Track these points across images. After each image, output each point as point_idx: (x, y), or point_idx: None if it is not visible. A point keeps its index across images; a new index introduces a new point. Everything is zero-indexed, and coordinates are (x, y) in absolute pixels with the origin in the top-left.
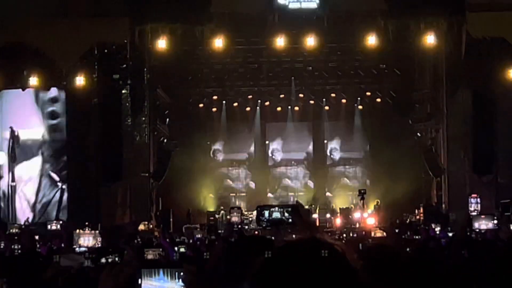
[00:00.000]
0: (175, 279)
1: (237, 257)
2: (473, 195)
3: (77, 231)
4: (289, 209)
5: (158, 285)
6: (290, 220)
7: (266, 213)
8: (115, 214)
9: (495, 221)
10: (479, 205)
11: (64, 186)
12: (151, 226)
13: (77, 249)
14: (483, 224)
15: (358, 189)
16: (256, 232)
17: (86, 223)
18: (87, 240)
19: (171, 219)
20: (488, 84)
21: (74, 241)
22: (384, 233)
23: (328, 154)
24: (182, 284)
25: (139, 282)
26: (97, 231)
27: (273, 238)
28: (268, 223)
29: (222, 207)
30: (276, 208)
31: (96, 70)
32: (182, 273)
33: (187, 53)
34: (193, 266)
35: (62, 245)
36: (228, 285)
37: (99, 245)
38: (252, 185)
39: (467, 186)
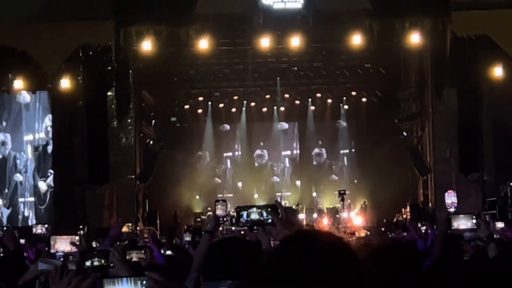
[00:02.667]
0: (140, 286)
1: (219, 257)
2: (449, 191)
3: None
4: (268, 209)
5: None
6: (269, 220)
7: (245, 214)
8: (102, 217)
9: (474, 221)
10: (455, 199)
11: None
12: (138, 228)
13: (58, 253)
14: (462, 224)
15: (338, 190)
16: (243, 232)
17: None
18: (63, 244)
19: (158, 221)
20: (473, 83)
21: (50, 245)
22: (368, 233)
23: (314, 154)
24: None
25: None
26: (74, 236)
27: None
28: (247, 224)
29: (209, 208)
30: (254, 209)
31: (81, 72)
32: (145, 281)
33: (172, 54)
34: (157, 273)
35: (46, 249)
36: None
37: (75, 249)
38: (239, 186)
39: (453, 184)
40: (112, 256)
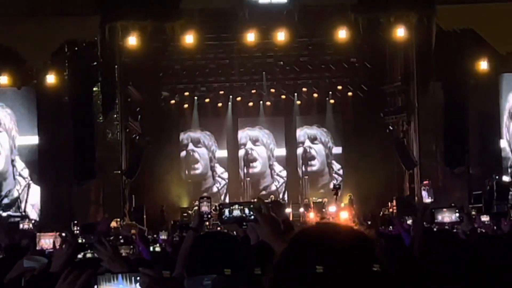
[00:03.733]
0: (134, 283)
1: (203, 252)
2: (424, 182)
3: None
4: (250, 206)
5: None
6: (251, 217)
7: (227, 211)
8: (88, 212)
9: (457, 214)
10: (426, 194)
11: (30, 182)
12: (124, 223)
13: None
14: (446, 217)
15: (333, 184)
16: (219, 228)
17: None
18: (48, 241)
19: (144, 216)
20: (459, 76)
21: (36, 242)
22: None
23: (300, 148)
24: None
25: None
26: (57, 233)
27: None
28: (229, 221)
29: (196, 203)
30: (236, 206)
31: (66, 68)
32: (139, 278)
33: (157, 49)
34: (151, 270)
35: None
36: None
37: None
38: (225, 181)
39: (439, 178)
40: (105, 249)
